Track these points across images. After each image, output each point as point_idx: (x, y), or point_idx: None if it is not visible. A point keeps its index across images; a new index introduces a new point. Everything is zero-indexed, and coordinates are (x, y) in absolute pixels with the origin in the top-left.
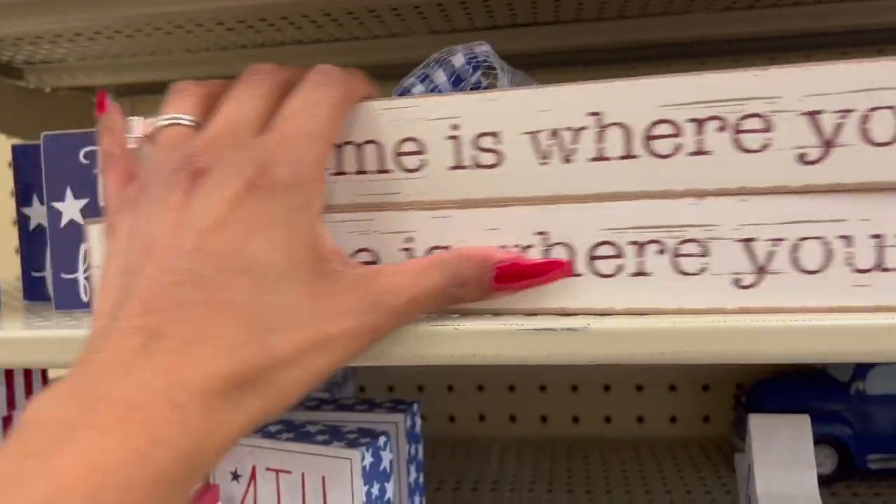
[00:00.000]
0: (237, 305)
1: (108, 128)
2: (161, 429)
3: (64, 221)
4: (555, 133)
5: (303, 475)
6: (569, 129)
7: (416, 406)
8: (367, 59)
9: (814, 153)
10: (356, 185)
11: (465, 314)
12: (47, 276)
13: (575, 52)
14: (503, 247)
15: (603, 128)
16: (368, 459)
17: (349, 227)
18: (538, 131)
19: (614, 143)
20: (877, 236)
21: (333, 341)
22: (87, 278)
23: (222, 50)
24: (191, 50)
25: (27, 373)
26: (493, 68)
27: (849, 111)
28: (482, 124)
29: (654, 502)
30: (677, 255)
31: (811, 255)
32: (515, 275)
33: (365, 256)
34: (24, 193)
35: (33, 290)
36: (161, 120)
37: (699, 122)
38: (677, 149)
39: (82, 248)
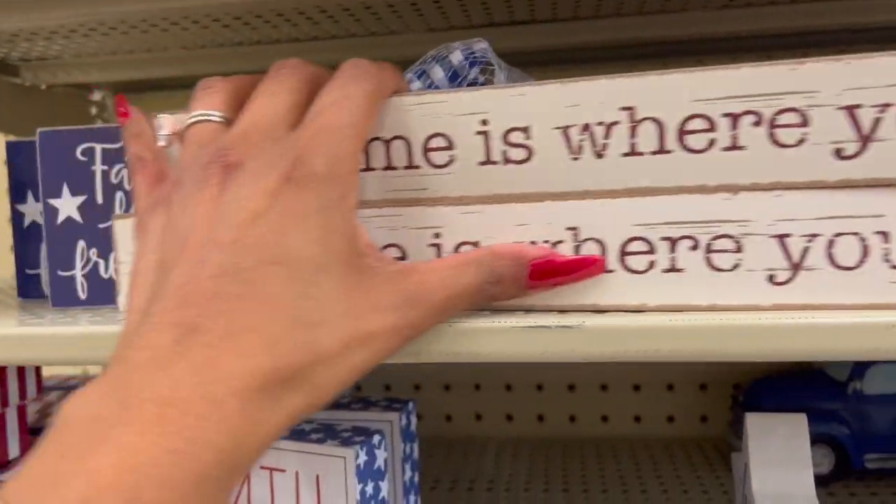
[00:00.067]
0: (275, 299)
1: (134, 133)
2: (198, 427)
3: (60, 218)
4: (586, 128)
5: (297, 474)
6: (601, 123)
7: (411, 405)
8: (364, 56)
9: (851, 148)
10: (384, 181)
11: (496, 311)
12: (42, 274)
13: (572, 50)
14: (533, 243)
15: (636, 122)
16: (363, 458)
17: (377, 222)
18: (569, 126)
19: (647, 137)
20: None
21: (372, 338)
22: (110, 273)
23: (218, 47)
24: (187, 47)
25: (20, 370)
26: (491, 65)
27: (888, 105)
28: (512, 119)
29: (650, 502)
30: (710, 251)
31: (847, 251)
32: (549, 271)
33: (393, 252)
34: (18, 190)
35: (27, 288)
36: (190, 117)
37: (734, 117)
38: (711, 144)
39: (79, 245)
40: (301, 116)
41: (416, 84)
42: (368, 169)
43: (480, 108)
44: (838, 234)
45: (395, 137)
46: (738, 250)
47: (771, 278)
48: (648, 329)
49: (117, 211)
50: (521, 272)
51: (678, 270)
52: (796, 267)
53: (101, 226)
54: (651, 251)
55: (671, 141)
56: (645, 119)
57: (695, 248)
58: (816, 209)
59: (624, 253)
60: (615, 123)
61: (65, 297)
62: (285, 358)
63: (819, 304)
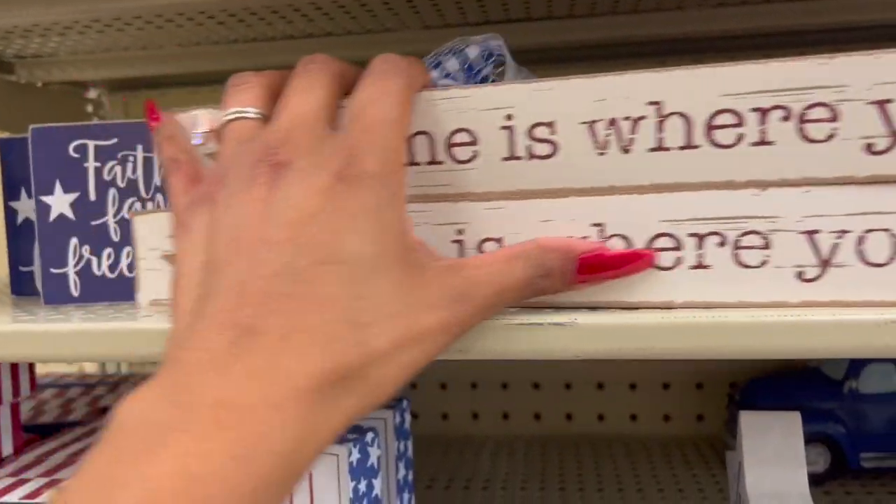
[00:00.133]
0: (330, 298)
1: (167, 136)
2: (259, 431)
3: (53, 215)
4: (613, 122)
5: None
6: (627, 118)
7: (405, 402)
8: (360, 53)
9: (882, 143)
10: (407, 177)
11: (525, 308)
12: (35, 271)
13: (567, 48)
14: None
15: (663, 117)
16: (356, 455)
17: None
18: (595, 121)
19: (674, 132)
20: None
21: (425, 335)
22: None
23: (213, 44)
24: (182, 44)
25: (14, 367)
26: (503, 63)
27: None
28: (537, 114)
29: (646, 500)
30: (738, 248)
31: (877, 247)
32: (598, 266)
33: None
34: (11, 187)
35: (21, 285)
36: (226, 114)
37: (762, 112)
38: (739, 139)
39: (71, 242)
40: (334, 112)
41: (433, 74)
42: None
43: (505, 103)
44: (868, 231)
45: (418, 133)
46: (767, 247)
47: (799, 275)
48: (641, 327)
49: (110, 208)
50: (570, 266)
51: (705, 267)
52: (825, 263)
53: (93, 223)
54: (678, 248)
55: (699, 136)
56: (672, 114)
57: (722, 244)
58: (846, 205)
59: (650, 249)
60: (642, 118)
61: (57, 295)
62: (341, 358)
63: (848, 301)
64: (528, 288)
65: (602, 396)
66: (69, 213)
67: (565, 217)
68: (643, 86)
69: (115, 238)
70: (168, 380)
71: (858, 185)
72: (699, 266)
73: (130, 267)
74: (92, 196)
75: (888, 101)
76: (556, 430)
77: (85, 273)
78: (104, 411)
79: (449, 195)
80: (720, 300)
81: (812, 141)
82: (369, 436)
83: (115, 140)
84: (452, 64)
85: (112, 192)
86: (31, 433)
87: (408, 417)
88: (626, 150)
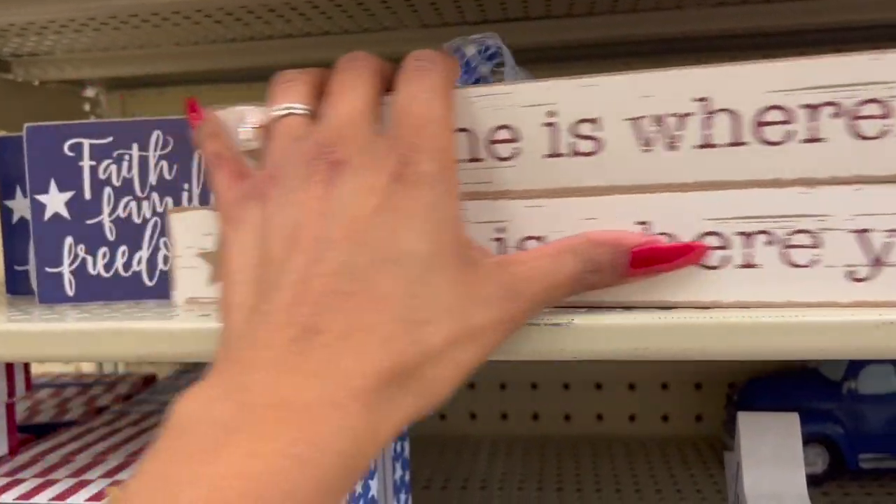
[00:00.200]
0: (389, 296)
1: (210, 133)
2: (322, 431)
3: (48, 214)
4: (658, 119)
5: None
6: (673, 115)
7: None
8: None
9: None
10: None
11: (569, 305)
12: (30, 270)
13: (566, 48)
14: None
15: (710, 114)
16: None
17: None
18: (640, 117)
19: (722, 129)
20: None
21: (479, 332)
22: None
23: (211, 43)
24: (180, 43)
25: (9, 367)
26: (503, 63)
27: None
28: (581, 111)
29: (644, 501)
30: (787, 247)
31: None
32: (651, 259)
33: None
34: (6, 186)
35: (16, 284)
36: (275, 110)
37: (813, 108)
38: (789, 136)
39: (66, 241)
40: (378, 109)
41: None
42: None
43: (548, 100)
44: None
45: (459, 130)
46: (816, 246)
47: (850, 275)
48: (637, 327)
49: (105, 207)
50: (621, 260)
51: (753, 266)
52: (877, 263)
53: (88, 222)
54: (725, 246)
55: (747, 133)
56: (719, 110)
57: (771, 243)
58: None
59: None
60: (688, 115)
61: (52, 294)
62: (398, 357)
63: None
64: (578, 283)
65: (600, 397)
66: (64, 212)
67: (609, 215)
68: (690, 82)
69: (111, 237)
70: (227, 378)
71: None
72: (747, 265)
73: (126, 266)
74: (87, 195)
75: None
76: (555, 431)
77: (80, 272)
78: (100, 411)
79: (489, 193)
80: (768, 300)
81: (864, 138)
82: None
83: (110, 139)
84: None
85: (107, 191)
86: (27, 433)
87: None
88: (671, 147)
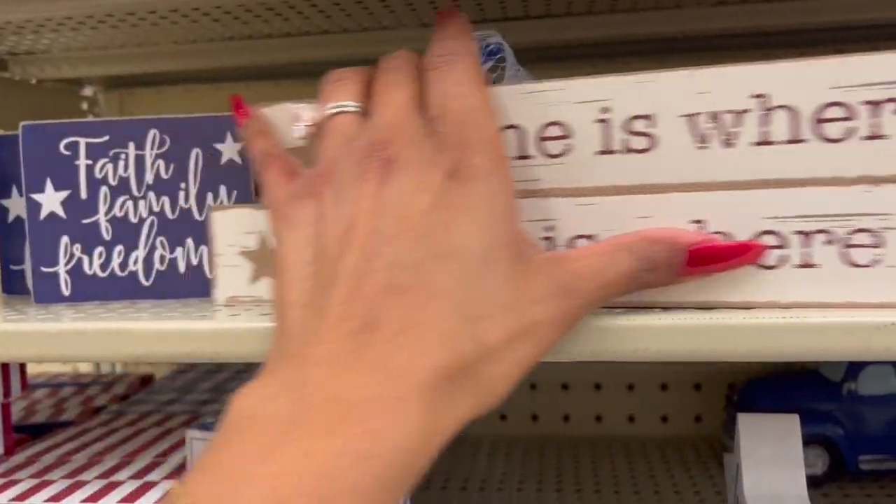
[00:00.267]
0: (445, 292)
1: (259, 131)
2: (383, 428)
3: (44, 213)
4: (715, 116)
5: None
6: (730, 111)
7: None
8: (357, 51)
9: None
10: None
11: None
12: (26, 270)
13: (566, 47)
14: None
15: (768, 110)
16: None
17: None
18: (696, 114)
19: (780, 126)
20: None
21: (536, 329)
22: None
23: (209, 42)
24: (177, 42)
25: (4, 367)
26: (504, 60)
27: None
28: (635, 107)
29: (643, 502)
30: (847, 246)
31: None
32: (707, 257)
33: None
34: (2, 185)
35: (11, 284)
36: (328, 108)
37: (875, 105)
38: (850, 133)
39: (62, 241)
40: (420, 104)
41: None
42: None
43: (602, 96)
44: None
45: (508, 126)
46: (878, 245)
47: None
48: (636, 328)
49: (101, 206)
50: (677, 258)
51: (812, 266)
52: None
53: (84, 221)
54: (783, 246)
55: (806, 130)
56: (778, 107)
57: (830, 242)
58: None
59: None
60: (746, 111)
61: (48, 294)
62: (457, 353)
63: None
64: (633, 281)
65: (599, 397)
66: (60, 212)
67: (663, 213)
68: (748, 78)
69: (107, 237)
70: (284, 374)
71: None
72: (806, 265)
73: (122, 266)
74: (83, 194)
75: None
76: (554, 431)
77: (76, 272)
78: (97, 411)
79: (538, 190)
80: (827, 300)
81: None
82: None
83: (106, 137)
84: None
85: (103, 190)
86: (23, 433)
87: None
88: (728, 144)
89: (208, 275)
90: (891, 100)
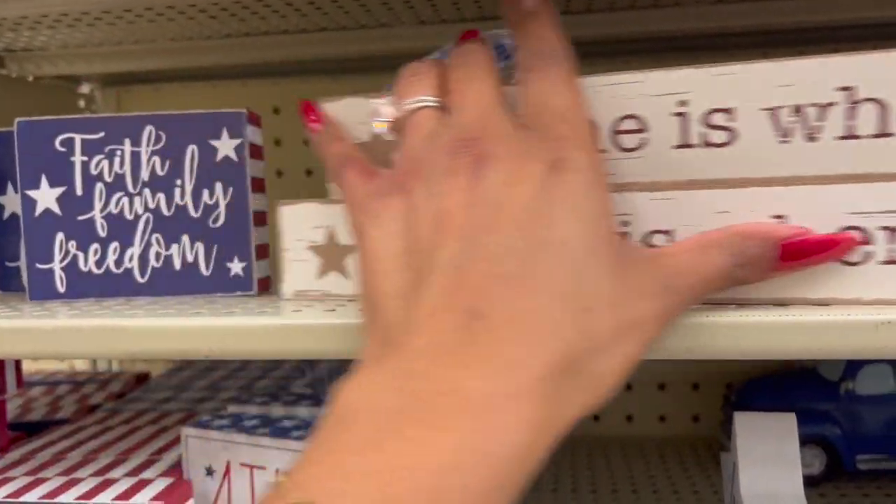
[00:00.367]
0: (552, 283)
1: (334, 136)
2: (498, 422)
3: (39, 210)
4: (798, 109)
5: (277, 471)
6: (814, 105)
7: None
8: (354, 49)
9: None
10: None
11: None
12: (21, 266)
13: None
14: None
15: (854, 103)
16: None
17: None
18: (778, 107)
19: (867, 119)
20: None
21: (640, 325)
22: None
23: (206, 39)
24: (174, 39)
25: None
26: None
27: None
28: (714, 100)
29: (640, 502)
30: None
31: None
32: (802, 251)
33: None
34: None
35: (7, 281)
36: (409, 103)
37: None
38: None
39: (57, 237)
40: (504, 100)
41: None
42: None
43: (680, 88)
44: None
45: None
46: None
47: None
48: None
49: (96, 203)
50: (771, 253)
51: None
52: None
53: (80, 218)
54: (868, 241)
55: (894, 123)
56: (866, 100)
57: None
58: None
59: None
60: (831, 104)
61: (43, 290)
62: (568, 345)
63: None
64: (728, 277)
65: None
66: (55, 208)
67: (743, 208)
68: (834, 71)
69: (102, 233)
70: (390, 365)
71: None
72: (891, 261)
73: (117, 263)
74: (79, 191)
75: None
76: None
77: (71, 269)
78: (93, 409)
79: (613, 185)
80: None
81: None
82: None
83: (102, 134)
84: None
85: (99, 186)
86: (18, 431)
87: None
88: (811, 138)
89: (203, 272)
90: None
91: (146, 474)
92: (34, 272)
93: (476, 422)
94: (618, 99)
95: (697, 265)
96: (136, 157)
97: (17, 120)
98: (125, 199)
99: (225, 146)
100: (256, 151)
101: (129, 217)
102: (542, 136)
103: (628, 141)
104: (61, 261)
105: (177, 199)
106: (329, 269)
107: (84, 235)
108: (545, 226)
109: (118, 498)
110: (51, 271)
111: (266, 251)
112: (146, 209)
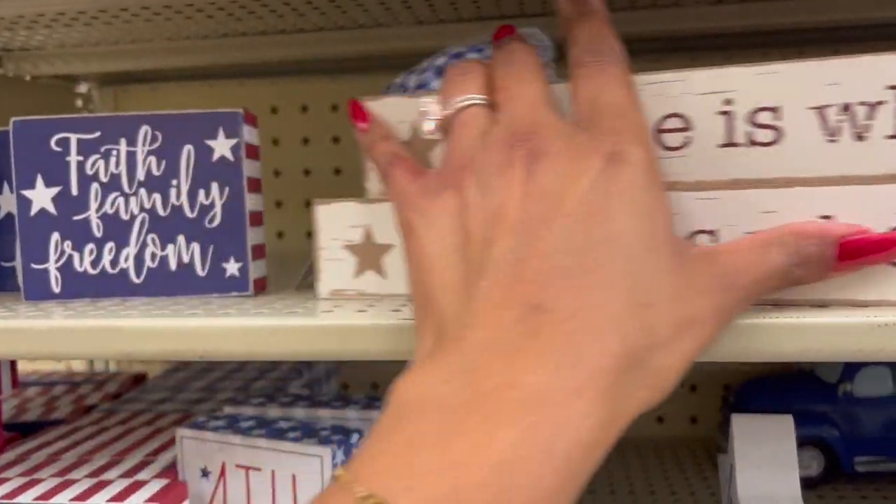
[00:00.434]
0: (611, 277)
1: (382, 135)
2: (563, 418)
3: (34, 210)
4: (846, 108)
5: (273, 472)
6: (863, 103)
7: None
8: (352, 49)
9: None
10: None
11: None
12: (17, 266)
13: (562, 46)
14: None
15: None
16: (340, 457)
17: None
18: (826, 106)
19: None
20: None
21: (699, 322)
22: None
23: (203, 38)
24: (172, 38)
25: None
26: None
27: None
28: (760, 98)
29: (637, 503)
30: None
31: None
32: (860, 250)
33: None
34: None
35: (2, 281)
36: (458, 101)
37: None
38: None
39: (53, 237)
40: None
41: (436, 84)
42: None
43: (725, 87)
44: None
45: None
46: None
47: None
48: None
49: (92, 203)
50: (829, 252)
51: None
52: None
53: (75, 218)
54: None
55: None
56: None
57: None
58: None
59: None
60: (881, 103)
61: (38, 291)
62: (630, 340)
63: None
64: (785, 276)
65: None
66: (50, 208)
67: (790, 208)
68: (884, 69)
69: (98, 233)
70: (450, 359)
71: None
72: None
73: (113, 263)
74: (74, 191)
75: None
76: None
77: (66, 269)
78: (89, 410)
79: None
80: None
81: None
82: (354, 437)
83: (97, 133)
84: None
85: (94, 186)
86: (13, 431)
87: None
88: (860, 138)
89: (199, 272)
90: None
91: (141, 475)
92: (29, 272)
93: (539, 416)
94: (661, 97)
95: (755, 264)
96: (131, 156)
97: (12, 119)
98: (121, 199)
99: (221, 146)
100: (253, 151)
101: (125, 217)
102: (597, 131)
103: (672, 140)
104: (56, 261)
105: (173, 199)
106: (365, 268)
107: (79, 235)
108: (603, 220)
109: (113, 499)
110: (46, 271)
111: (262, 251)
112: (142, 209)
